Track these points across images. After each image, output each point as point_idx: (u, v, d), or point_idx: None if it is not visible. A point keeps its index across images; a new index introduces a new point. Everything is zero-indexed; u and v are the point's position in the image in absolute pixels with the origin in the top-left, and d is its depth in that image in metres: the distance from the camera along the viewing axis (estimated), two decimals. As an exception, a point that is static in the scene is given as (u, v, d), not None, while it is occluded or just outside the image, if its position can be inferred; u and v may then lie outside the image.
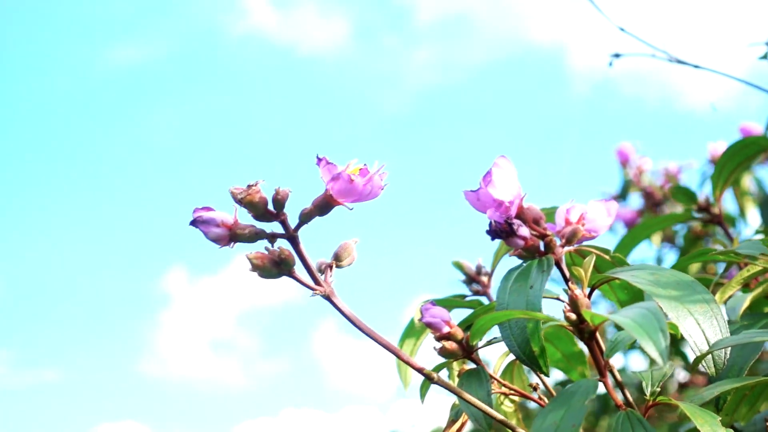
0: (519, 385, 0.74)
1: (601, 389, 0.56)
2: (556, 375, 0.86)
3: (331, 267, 0.57)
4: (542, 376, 0.62)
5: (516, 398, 0.70)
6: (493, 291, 0.85)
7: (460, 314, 0.74)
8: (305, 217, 0.56)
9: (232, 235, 0.55)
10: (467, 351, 0.63)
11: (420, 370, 0.59)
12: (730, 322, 0.59)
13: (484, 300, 0.83)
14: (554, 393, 0.67)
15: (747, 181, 1.59)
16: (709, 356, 0.58)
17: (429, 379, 0.59)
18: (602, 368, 0.58)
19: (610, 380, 0.59)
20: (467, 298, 0.84)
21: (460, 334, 0.63)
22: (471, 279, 0.84)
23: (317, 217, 0.56)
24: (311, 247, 0.57)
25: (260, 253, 0.55)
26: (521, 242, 0.60)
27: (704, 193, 1.29)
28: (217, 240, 0.55)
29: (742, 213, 1.57)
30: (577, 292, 0.57)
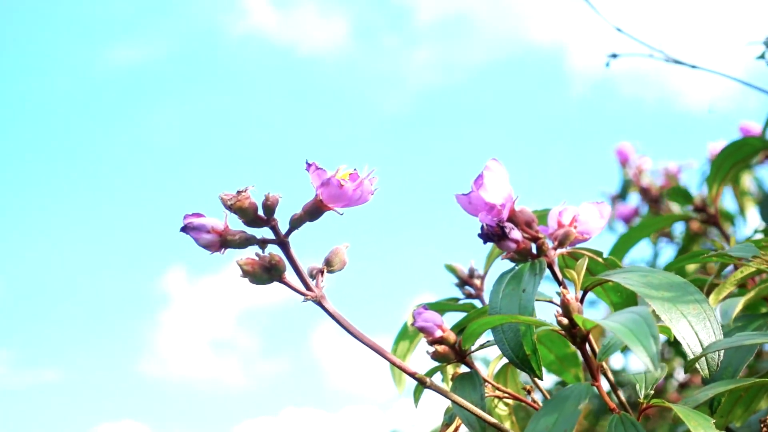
0: (513, 388, 0.74)
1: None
2: (554, 375, 0.86)
3: (322, 272, 0.57)
4: (536, 379, 0.61)
5: (510, 401, 0.70)
6: (486, 294, 0.84)
7: (453, 317, 0.74)
8: (295, 223, 0.56)
9: (223, 242, 0.55)
10: (460, 355, 0.62)
11: (413, 375, 0.59)
12: (723, 325, 0.59)
13: (477, 303, 0.83)
14: (548, 396, 0.67)
15: (747, 181, 1.59)
16: (703, 358, 0.57)
17: (422, 384, 0.58)
18: (595, 372, 0.58)
19: (604, 383, 0.59)
20: (460, 302, 0.83)
21: (452, 338, 0.62)
22: (464, 282, 0.83)
23: (309, 222, 0.56)
24: (306, 251, 0.57)
25: (251, 259, 0.55)
26: (513, 245, 0.59)
27: (703, 193, 1.29)
28: (207, 246, 0.55)
29: (741, 212, 1.57)
30: (569, 296, 0.57)
